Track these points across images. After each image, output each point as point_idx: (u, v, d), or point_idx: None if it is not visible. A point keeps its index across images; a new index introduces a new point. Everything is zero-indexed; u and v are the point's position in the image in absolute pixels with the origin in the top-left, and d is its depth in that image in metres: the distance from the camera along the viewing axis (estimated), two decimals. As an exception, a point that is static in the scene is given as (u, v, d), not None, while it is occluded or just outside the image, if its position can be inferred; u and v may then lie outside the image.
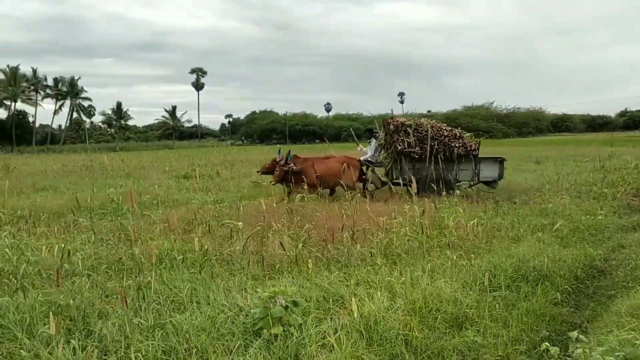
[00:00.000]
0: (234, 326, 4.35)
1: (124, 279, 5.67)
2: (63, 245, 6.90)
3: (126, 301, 4.50)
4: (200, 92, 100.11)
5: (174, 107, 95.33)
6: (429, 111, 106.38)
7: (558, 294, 5.50)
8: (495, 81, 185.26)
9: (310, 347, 4.05)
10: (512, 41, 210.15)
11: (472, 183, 12.75)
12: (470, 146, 12.37)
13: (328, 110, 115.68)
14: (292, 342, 4.08)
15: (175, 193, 14.32)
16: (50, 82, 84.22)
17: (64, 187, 16.68)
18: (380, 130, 13.54)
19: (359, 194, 11.65)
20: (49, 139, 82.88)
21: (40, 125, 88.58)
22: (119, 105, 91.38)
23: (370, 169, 13.24)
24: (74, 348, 3.92)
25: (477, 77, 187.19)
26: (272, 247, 6.67)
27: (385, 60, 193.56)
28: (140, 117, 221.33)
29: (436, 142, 12.15)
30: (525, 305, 5.13)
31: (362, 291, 5.12)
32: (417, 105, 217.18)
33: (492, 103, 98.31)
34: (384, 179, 13.02)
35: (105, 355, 3.94)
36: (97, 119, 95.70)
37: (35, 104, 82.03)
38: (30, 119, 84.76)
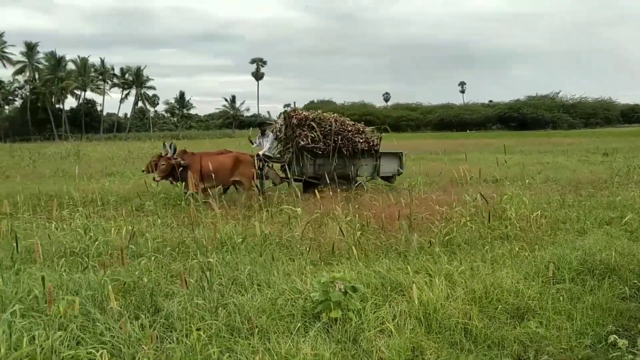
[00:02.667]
0: (293, 309, 4.44)
1: (188, 260, 5.87)
2: (130, 227, 7.21)
3: (187, 282, 4.64)
4: (259, 81, 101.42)
5: (234, 97, 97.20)
6: (490, 101, 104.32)
7: (626, 288, 5.29)
8: (561, 70, 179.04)
9: (369, 332, 4.09)
10: (578, 29, 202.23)
11: (369, 178, 12.37)
12: (373, 141, 11.97)
13: (386, 100, 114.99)
14: (351, 326, 4.13)
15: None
16: (117, 72, 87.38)
17: (130, 172, 17.34)
18: (276, 123, 12.96)
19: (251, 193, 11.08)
20: (115, 126, 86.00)
21: (107, 113, 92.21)
22: (181, 94, 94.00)
23: (267, 164, 12.26)
24: (142, 324, 4.11)
25: (541, 67, 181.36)
26: (330, 234, 6.72)
27: (446, 49, 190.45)
28: (202, 106, 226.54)
29: (339, 137, 11.59)
30: (590, 298, 4.97)
31: (421, 279, 5.10)
32: (478, 95, 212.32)
33: (558, 93, 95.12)
34: (281, 174, 12.37)
35: (170, 332, 4.09)
36: (161, 107, 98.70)
37: (103, 93, 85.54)
38: (99, 108, 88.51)
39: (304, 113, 11.80)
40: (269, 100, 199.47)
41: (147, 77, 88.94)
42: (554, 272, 5.29)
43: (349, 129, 11.70)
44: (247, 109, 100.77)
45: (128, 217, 8.31)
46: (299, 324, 4.13)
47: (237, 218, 8.04)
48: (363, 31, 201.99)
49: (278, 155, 12.31)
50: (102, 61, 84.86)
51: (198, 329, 3.90)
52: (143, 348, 3.62)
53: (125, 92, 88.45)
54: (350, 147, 11.61)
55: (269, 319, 4.23)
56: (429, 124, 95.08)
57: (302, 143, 11.33)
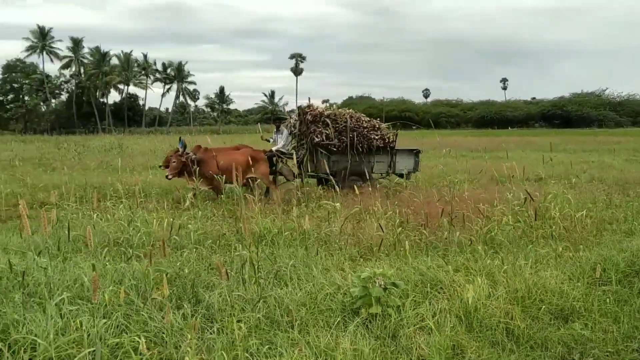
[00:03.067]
0: (332, 303, 4.45)
1: (228, 253, 5.94)
2: (172, 219, 7.34)
3: (227, 274, 4.69)
4: (298, 77, 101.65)
5: (273, 92, 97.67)
6: (533, 98, 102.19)
7: (677, 292, 5.11)
8: (608, 67, 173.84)
9: (409, 328, 4.06)
10: (626, 25, 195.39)
11: (384, 175, 12.21)
12: (388, 138, 11.71)
13: (426, 96, 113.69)
14: (390, 322, 4.11)
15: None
16: (159, 67, 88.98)
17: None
18: (290, 118, 12.74)
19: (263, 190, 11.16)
20: (157, 120, 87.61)
21: (149, 108, 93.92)
22: (221, 89, 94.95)
23: (281, 160, 12.07)
24: (183, 314, 4.18)
25: (586, 63, 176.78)
26: (369, 230, 6.70)
27: (488, 44, 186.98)
28: (241, 101, 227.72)
29: (355, 134, 11.37)
30: (638, 301, 4.82)
31: (461, 277, 5.03)
32: (520, 91, 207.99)
33: (605, 90, 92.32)
34: (295, 170, 12.07)
35: (211, 322, 4.15)
36: (201, 102, 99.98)
37: (145, 88, 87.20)
38: (141, 102, 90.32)
39: (319, 109, 11.55)
40: (308, 95, 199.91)
41: (188, 72, 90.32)
42: (600, 273, 5.15)
43: (365, 125, 11.50)
44: (286, 104, 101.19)
45: (169, 210, 8.45)
46: (339, 319, 4.13)
47: (275, 212, 8.10)
48: (403, 26, 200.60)
49: (292, 151, 12.09)
50: (145, 56, 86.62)
51: (239, 321, 3.94)
52: (186, 338, 3.67)
53: (167, 86, 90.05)
54: (365, 144, 11.41)
55: (309, 313, 4.24)
56: (469, 120, 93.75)
57: (317, 140, 11.11)
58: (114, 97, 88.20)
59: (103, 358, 3.45)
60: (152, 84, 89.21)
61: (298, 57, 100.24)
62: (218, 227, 7.25)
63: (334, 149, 11.23)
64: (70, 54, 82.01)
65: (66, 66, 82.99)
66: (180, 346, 3.71)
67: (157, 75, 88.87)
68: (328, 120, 11.18)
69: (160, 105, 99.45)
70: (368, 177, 10.22)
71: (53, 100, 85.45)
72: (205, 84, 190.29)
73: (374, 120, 11.84)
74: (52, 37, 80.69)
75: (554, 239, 6.65)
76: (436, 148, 22.38)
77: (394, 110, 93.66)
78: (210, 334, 3.91)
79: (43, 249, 5.65)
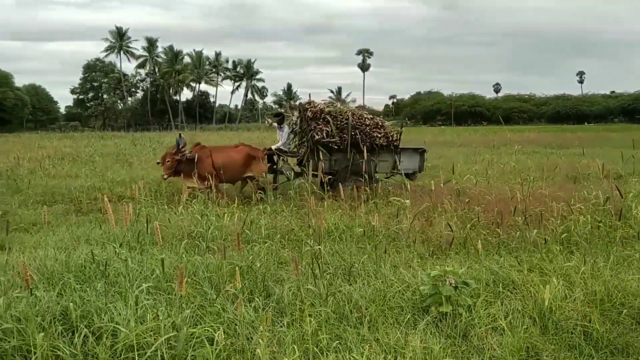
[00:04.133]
0: (402, 301, 4.43)
1: (297, 248, 6.02)
2: (243, 214, 7.52)
3: (298, 269, 4.76)
4: (365, 73, 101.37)
5: (340, 88, 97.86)
6: (612, 91, 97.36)
7: None
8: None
9: (480, 328, 3.99)
10: None
11: (388, 175, 11.63)
12: (392, 136, 11.19)
13: (497, 91, 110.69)
14: (461, 322, 4.05)
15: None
16: (229, 64, 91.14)
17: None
18: (292, 115, 12.23)
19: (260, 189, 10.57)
20: (226, 117, 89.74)
21: (219, 105, 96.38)
22: (289, 86, 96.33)
23: (282, 158, 11.79)
24: (255, 307, 4.27)
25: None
26: (439, 227, 6.61)
27: (563, 36, 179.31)
28: (308, 97, 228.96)
29: (357, 132, 10.88)
30: None
31: (536, 278, 4.89)
32: (598, 85, 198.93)
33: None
34: (296, 169, 11.73)
35: (281, 316, 4.22)
36: (269, 99, 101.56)
37: (216, 85, 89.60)
38: (211, 99, 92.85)
39: (319, 106, 11.12)
40: (375, 91, 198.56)
41: (257, 69, 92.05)
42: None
43: (367, 122, 11.05)
44: (353, 101, 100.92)
45: (240, 205, 8.64)
46: (408, 317, 4.10)
47: (343, 208, 8.13)
48: (473, 19, 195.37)
49: (294, 150, 11.82)
50: (216, 54, 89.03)
51: (308, 315, 3.99)
52: (258, 330, 3.76)
53: (236, 84, 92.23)
54: (367, 142, 10.90)
55: (378, 310, 4.24)
56: (542, 116, 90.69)
57: (317, 137, 10.65)
58: (186, 94, 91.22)
59: (179, 347, 3.58)
60: (222, 81, 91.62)
61: (365, 53, 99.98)
62: (287, 223, 7.34)
63: (335, 147, 10.82)
64: (145, 53, 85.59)
65: (141, 65, 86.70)
66: (251, 338, 3.80)
67: (227, 72, 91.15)
68: (329, 117, 10.77)
69: (230, 103, 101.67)
70: (371, 177, 10.12)
71: (129, 98, 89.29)
72: (274, 80, 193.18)
73: (377, 118, 11.47)
74: (129, 38, 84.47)
75: (637, 239, 6.32)
76: (507, 144, 21.76)
77: (464, 105, 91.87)
78: (280, 327, 3.98)
79: (123, 241, 5.92)
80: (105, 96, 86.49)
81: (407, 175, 11.47)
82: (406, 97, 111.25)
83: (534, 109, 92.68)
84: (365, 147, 10.54)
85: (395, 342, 3.71)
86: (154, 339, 3.63)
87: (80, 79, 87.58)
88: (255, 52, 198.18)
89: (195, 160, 10.34)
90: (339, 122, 10.80)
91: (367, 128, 10.95)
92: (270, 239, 6.45)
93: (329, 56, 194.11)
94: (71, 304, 4.00)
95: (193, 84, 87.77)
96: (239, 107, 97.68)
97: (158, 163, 10.89)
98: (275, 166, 11.68)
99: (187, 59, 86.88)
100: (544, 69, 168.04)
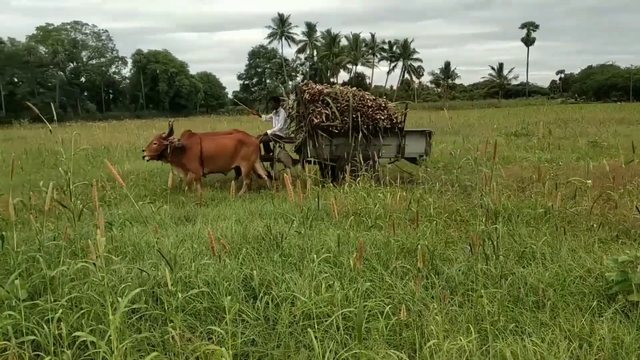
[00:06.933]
0: (584, 287, 4.14)
1: (463, 228, 5.88)
2: (404, 193, 7.51)
3: (471, 249, 4.64)
4: (529, 47, 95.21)
5: (501, 65, 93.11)
6: None
7: None
8: None
9: (679, 322, 3.59)
10: None
11: (392, 160, 10.83)
12: (396, 118, 10.33)
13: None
14: (655, 313, 3.68)
15: (505, 150, 14.15)
16: (385, 45, 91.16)
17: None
18: (289, 98, 11.16)
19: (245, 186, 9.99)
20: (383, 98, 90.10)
21: (375, 86, 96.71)
22: (447, 64, 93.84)
23: (278, 145, 10.88)
24: (424, 285, 4.26)
25: None
26: (624, 210, 6.05)
27: None
28: (466, 75, 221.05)
29: (359, 114, 10.01)
30: None
31: None
32: None
33: None
34: (295, 156, 10.93)
35: (451, 295, 4.16)
36: (425, 79, 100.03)
37: (372, 66, 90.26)
38: (367, 80, 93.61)
39: (318, 87, 10.37)
40: (540, 67, 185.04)
41: (414, 49, 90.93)
42: None
43: (369, 104, 10.32)
44: (516, 77, 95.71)
45: (401, 184, 8.63)
46: (593, 304, 3.82)
47: (512, 188, 7.78)
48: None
49: (291, 135, 11.10)
50: (373, 36, 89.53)
51: (481, 296, 3.89)
52: (429, 307, 3.74)
53: (392, 64, 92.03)
54: (370, 125, 10.27)
55: (557, 295, 4.00)
56: None
57: (316, 121, 10.04)
58: (342, 76, 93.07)
59: (350, 320, 3.69)
60: (378, 62, 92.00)
61: (530, 26, 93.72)
62: (452, 202, 7.20)
63: (336, 131, 10.22)
64: (305, 38, 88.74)
65: (301, 50, 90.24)
66: (421, 314, 3.79)
67: (383, 53, 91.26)
68: (328, 99, 10.13)
69: (385, 83, 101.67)
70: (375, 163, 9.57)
71: (289, 82, 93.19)
72: (430, 59, 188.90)
73: (380, 99, 10.59)
74: (290, 24, 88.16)
75: None
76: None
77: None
78: (452, 306, 3.93)
79: (298, 216, 6.23)
80: (267, 81, 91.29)
81: (413, 160, 10.85)
82: (576, 71, 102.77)
83: None
84: (367, 130, 10.14)
85: (579, 330, 3.48)
86: (330, 309, 3.78)
87: (246, 66, 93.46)
88: (412, 31, 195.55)
89: (184, 148, 9.89)
90: (339, 104, 10.21)
91: (370, 110, 10.32)
92: (438, 218, 6.37)
93: (489, 32, 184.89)
94: (254, 272, 4.31)
95: (350, 66, 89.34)
96: (395, 87, 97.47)
97: (143, 150, 10.32)
98: (271, 154, 11.16)
99: (344, 42, 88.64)
100: None
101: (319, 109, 10.09)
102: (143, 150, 10.24)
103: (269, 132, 11.09)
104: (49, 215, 6.02)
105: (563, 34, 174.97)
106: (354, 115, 10.12)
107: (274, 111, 11.39)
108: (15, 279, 3.56)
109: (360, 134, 10.12)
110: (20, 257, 4.73)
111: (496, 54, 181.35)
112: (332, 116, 10.08)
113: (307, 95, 10.15)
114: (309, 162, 10.22)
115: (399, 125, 10.53)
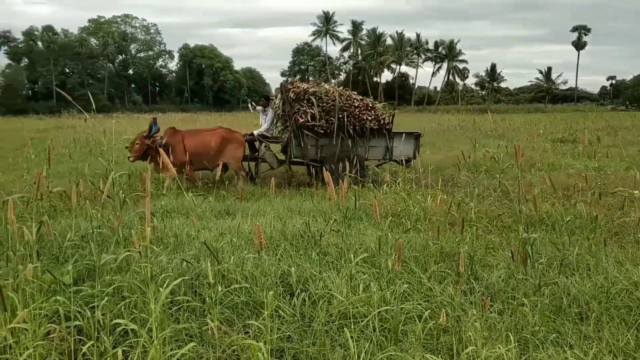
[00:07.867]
0: (630, 300, 4.00)
1: (504, 234, 5.77)
2: (445, 196, 7.42)
3: (513, 256, 4.56)
4: (580, 51, 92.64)
5: (549, 69, 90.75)
6: None
7: None
8: None
9: None
10: None
11: (381, 162, 10.78)
12: (384, 119, 10.11)
13: None
14: None
15: (550, 157, 13.82)
16: (431, 45, 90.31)
17: (441, 144, 17.85)
18: (277, 98, 10.84)
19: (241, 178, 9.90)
20: (425, 99, 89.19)
21: (418, 87, 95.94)
22: (492, 67, 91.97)
23: (264, 144, 10.69)
24: (463, 290, 4.20)
25: None
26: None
27: None
28: (513, 79, 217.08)
29: (345, 114, 9.79)
30: None
31: None
32: None
33: None
34: (281, 157, 10.74)
35: (492, 301, 4.09)
36: (470, 81, 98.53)
37: (416, 67, 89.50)
38: (411, 81, 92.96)
39: (303, 86, 10.16)
40: (590, 71, 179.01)
41: (460, 50, 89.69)
42: None
43: (356, 104, 10.07)
44: (565, 82, 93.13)
45: (443, 187, 8.54)
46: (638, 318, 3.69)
47: (556, 195, 7.60)
48: None
49: (278, 135, 10.92)
50: (418, 36, 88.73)
51: (522, 304, 3.81)
52: (468, 313, 3.69)
53: (437, 65, 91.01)
54: (357, 126, 10.02)
55: (601, 307, 3.89)
56: None
57: (301, 120, 9.80)
58: (386, 76, 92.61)
59: (386, 321, 3.66)
60: (422, 62, 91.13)
61: (582, 30, 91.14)
62: (494, 208, 7.08)
63: (321, 132, 9.96)
64: (349, 36, 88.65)
65: (345, 48, 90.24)
66: (460, 320, 3.74)
67: (428, 54, 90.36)
68: (313, 99, 9.89)
69: (429, 84, 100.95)
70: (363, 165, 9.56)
71: (333, 80, 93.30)
72: (476, 61, 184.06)
73: (367, 99, 10.32)
74: (335, 22, 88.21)
75: None
76: None
77: (701, 86, 79.36)
78: (491, 312, 3.86)
79: (337, 215, 6.23)
80: (310, 78, 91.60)
81: (402, 163, 10.51)
82: (628, 77, 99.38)
83: None
84: (354, 131, 9.95)
85: (624, 345, 3.37)
86: (366, 310, 3.77)
87: (290, 62, 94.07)
88: (457, 32, 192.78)
89: (167, 147, 9.62)
90: (324, 104, 9.96)
91: (356, 110, 10.07)
92: (479, 223, 6.28)
93: (538, 34, 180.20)
94: (292, 269, 4.33)
95: (393, 66, 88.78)
96: (439, 89, 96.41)
97: (127, 147, 10.11)
98: (257, 153, 11.02)
99: (388, 41, 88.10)
100: None
101: (304, 109, 9.95)
102: (126, 147, 10.14)
103: (255, 132, 11.08)
104: (93, 204, 6.18)
105: (615, 38, 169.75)
106: (340, 115, 9.96)
107: (263, 109, 11.35)
108: (67, 266, 3.67)
109: (347, 135, 10.03)
110: (66, 244, 4.89)
111: (545, 57, 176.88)
112: (317, 116, 9.94)
113: (292, 94, 10.02)
114: (295, 162, 10.37)
115: (387, 127, 10.35)
